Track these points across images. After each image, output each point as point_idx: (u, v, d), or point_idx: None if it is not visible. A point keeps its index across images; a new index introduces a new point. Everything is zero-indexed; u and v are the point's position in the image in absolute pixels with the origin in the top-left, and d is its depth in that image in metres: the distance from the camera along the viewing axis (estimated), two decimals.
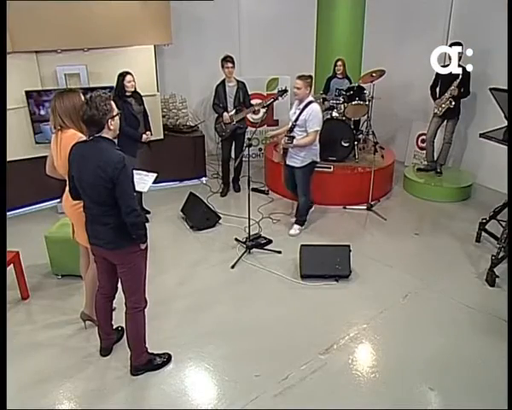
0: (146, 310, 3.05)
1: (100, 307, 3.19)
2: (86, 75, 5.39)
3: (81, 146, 2.75)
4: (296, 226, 5.08)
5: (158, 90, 6.10)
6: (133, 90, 4.96)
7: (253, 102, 6.09)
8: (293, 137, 4.65)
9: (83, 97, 3.11)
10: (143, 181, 3.40)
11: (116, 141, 2.84)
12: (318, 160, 4.90)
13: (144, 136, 5.07)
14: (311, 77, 4.65)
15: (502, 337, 3.34)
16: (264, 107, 5.56)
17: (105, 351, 3.29)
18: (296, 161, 4.76)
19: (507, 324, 3.47)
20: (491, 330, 3.54)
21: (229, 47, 6.84)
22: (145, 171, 3.54)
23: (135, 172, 3.21)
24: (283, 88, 5.54)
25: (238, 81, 5.72)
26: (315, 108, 4.61)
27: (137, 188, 3.11)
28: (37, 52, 5.18)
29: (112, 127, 2.69)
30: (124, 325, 3.18)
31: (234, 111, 5.71)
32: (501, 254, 4.10)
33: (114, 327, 3.34)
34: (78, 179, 2.74)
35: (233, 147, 6.00)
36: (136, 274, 2.93)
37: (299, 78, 4.57)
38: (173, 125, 6.48)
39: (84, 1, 5.09)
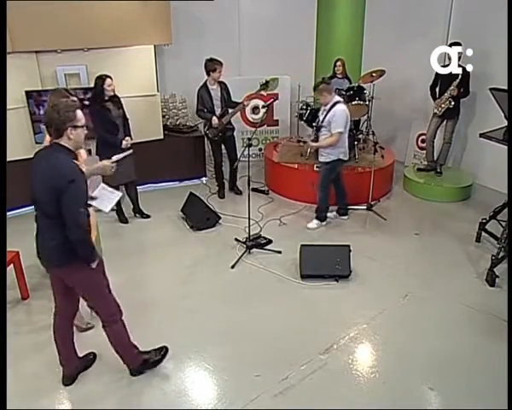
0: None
1: (58, 330, 2.98)
2: (86, 75, 5.39)
3: (41, 153, 2.65)
4: (315, 221, 5.18)
5: (158, 90, 6.10)
6: (112, 94, 4.82)
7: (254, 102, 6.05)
8: (317, 138, 4.85)
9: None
10: (108, 199, 3.12)
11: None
12: (346, 158, 5.01)
13: (124, 142, 4.91)
14: (323, 81, 4.78)
15: (502, 337, 3.33)
16: (264, 107, 5.55)
17: (67, 379, 3.04)
18: (322, 157, 4.92)
19: (507, 324, 3.46)
20: (491, 330, 3.54)
21: (229, 47, 6.87)
22: (112, 187, 3.28)
23: (101, 187, 3.06)
24: (264, 81, 5.51)
25: (219, 82, 5.58)
26: (339, 108, 4.71)
27: (100, 206, 2.95)
28: (37, 52, 5.19)
29: (72, 137, 2.53)
30: (94, 351, 3.24)
31: (221, 113, 5.57)
32: (501, 254, 4.10)
33: (87, 352, 3.23)
34: (33, 187, 2.60)
35: (223, 149, 5.88)
36: (94, 291, 2.82)
37: (314, 90, 4.85)
38: (173, 125, 6.48)
39: (84, 1, 5.10)
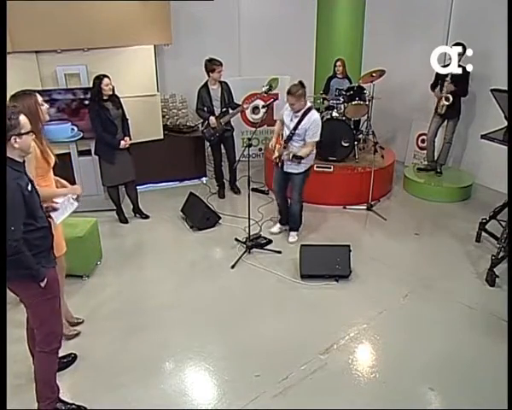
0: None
1: (32, 336, 2.89)
2: (86, 75, 5.37)
3: None
4: (293, 233, 4.93)
5: (158, 90, 6.09)
6: (110, 93, 4.81)
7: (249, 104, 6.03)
8: (298, 156, 4.43)
9: (40, 99, 2.91)
10: (65, 210, 2.89)
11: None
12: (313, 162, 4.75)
13: (122, 142, 4.91)
14: (301, 84, 4.39)
15: (502, 337, 3.33)
16: (264, 107, 5.54)
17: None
18: (295, 168, 4.56)
19: (507, 324, 3.47)
20: (491, 330, 3.54)
21: (229, 47, 6.86)
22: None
23: (67, 197, 2.89)
24: (267, 87, 5.36)
25: (221, 82, 5.59)
26: (316, 117, 4.42)
27: (56, 217, 2.80)
28: (37, 52, 5.18)
29: (16, 145, 2.35)
30: (75, 352, 3.23)
31: (220, 113, 5.55)
32: (501, 254, 4.10)
33: (67, 353, 3.21)
34: None
35: (222, 150, 5.88)
36: (38, 314, 2.64)
37: (289, 93, 4.32)
38: (173, 125, 6.48)
39: (84, 1, 5.09)
